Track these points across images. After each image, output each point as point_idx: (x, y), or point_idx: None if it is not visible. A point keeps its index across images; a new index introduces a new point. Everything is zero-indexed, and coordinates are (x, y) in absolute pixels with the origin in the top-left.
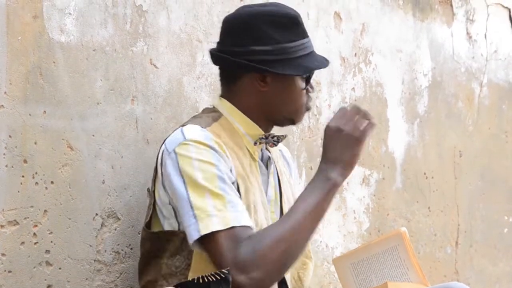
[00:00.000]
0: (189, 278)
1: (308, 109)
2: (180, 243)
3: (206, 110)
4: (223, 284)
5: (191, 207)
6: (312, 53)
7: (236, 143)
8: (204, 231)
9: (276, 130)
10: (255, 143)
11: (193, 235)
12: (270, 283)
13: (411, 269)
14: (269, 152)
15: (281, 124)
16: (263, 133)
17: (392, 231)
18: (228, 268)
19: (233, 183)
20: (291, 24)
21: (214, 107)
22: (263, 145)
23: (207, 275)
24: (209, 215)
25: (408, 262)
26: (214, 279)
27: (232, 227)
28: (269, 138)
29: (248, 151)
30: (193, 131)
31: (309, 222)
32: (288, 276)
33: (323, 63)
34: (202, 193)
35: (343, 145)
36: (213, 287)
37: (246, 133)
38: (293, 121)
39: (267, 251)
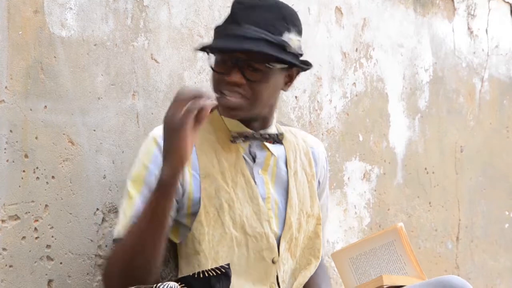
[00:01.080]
0: None
1: (226, 94)
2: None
3: None
4: (223, 279)
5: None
6: (229, 36)
7: (221, 138)
8: (115, 236)
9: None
10: (232, 140)
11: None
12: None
13: (408, 264)
14: (268, 148)
15: (246, 124)
16: (244, 129)
17: (389, 226)
18: (229, 263)
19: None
20: (231, 9)
21: None
22: (256, 141)
23: (207, 270)
24: (119, 220)
25: (405, 257)
26: (214, 274)
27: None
28: (254, 134)
29: (237, 146)
30: (160, 127)
31: (144, 225)
32: (281, 274)
33: (219, 45)
34: (125, 193)
35: (167, 138)
36: (213, 281)
37: (231, 128)
38: (220, 113)
39: (110, 269)
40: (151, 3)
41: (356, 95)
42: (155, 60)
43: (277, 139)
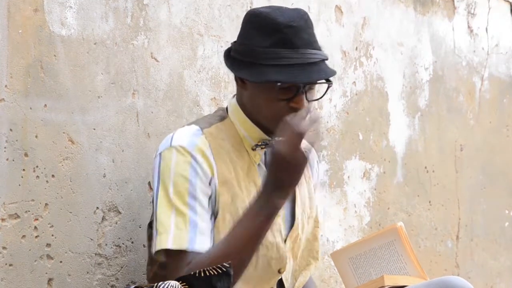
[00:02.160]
0: None
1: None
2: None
3: (219, 108)
4: (224, 278)
5: (156, 219)
6: (293, 66)
7: (234, 146)
8: (158, 247)
9: None
10: (253, 148)
11: (152, 248)
12: None
13: (409, 263)
14: None
15: (266, 131)
16: (263, 137)
17: (389, 225)
18: (230, 262)
19: (210, 196)
20: (272, 31)
21: (227, 106)
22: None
23: (208, 269)
24: (167, 232)
25: (405, 256)
26: (215, 273)
27: (184, 250)
28: (273, 141)
29: (248, 154)
30: (182, 135)
31: (247, 246)
32: (285, 274)
33: (297, 78)
34: (169, 208)
35: (286, 170)
36: (214, 281)
37: (248, 135)
38: (268, 129)
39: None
40: (151, 1)
41: (356, 94)
42: (155, 59)
43: None
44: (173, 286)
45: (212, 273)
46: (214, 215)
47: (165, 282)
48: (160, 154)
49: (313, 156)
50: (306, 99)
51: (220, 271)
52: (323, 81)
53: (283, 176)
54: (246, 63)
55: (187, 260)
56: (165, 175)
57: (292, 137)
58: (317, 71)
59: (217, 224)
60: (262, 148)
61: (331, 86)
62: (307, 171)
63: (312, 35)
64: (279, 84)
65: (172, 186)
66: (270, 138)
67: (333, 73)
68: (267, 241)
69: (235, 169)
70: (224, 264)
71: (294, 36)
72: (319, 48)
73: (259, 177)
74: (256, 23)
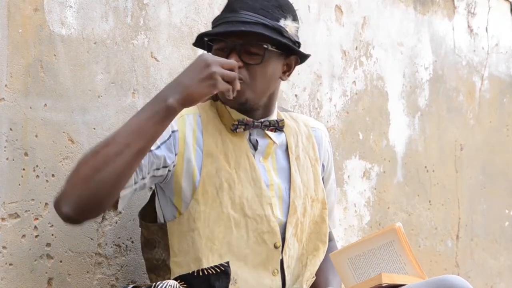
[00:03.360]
0: (171, 267)
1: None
2: (158, 233)
3: None
4: (222, 277)
5: None
6: (226, 23)
7: (225, 124)
8: None
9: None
10: (232, 129)
11: None
12: (80, 203)
13: (408, 264)
14: (269, 137)
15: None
16: (240, 116)
17: (387, 226)
18: (228, 261)
19: (175, 146)
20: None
21: None
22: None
23: (206, 268)
24: None
25: (404, 257)
26: (214, 272)
27: None
28: (254, 122)
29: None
30: None
31: (126, 136)
32: (287, 259)
33: (214, 31)
34: None
35: (193, 70)
36: (213, 280)
37: (231, 116)
38: (221, 99)
39: (72, 174)
40: (151, 1)
41: (356, 94)
42: (155, 59)
43: (277, 126)
44: (171, 286)
45: (211, 272)
46: (194, 186)
47: (164, 282)
48: None
49: (322, 136)
50: (242, 60)
51: (219, 270)
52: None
53: (180, 77)
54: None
55: None
56: None
57: (219, 58)
58: (242, 25)
59: (196, 196)
60: (244, 130)
61: (267, 48)
62: (313, 154)
63: (263, 4)
64: (206, 39)
65: None
66: (249, 119)
67: (253, 29)
68: (255, 214)
69: (224, 142)
70: (223, 263)
71: (237, 0)
72: (268, 17)
73: (251, 152)
74: None
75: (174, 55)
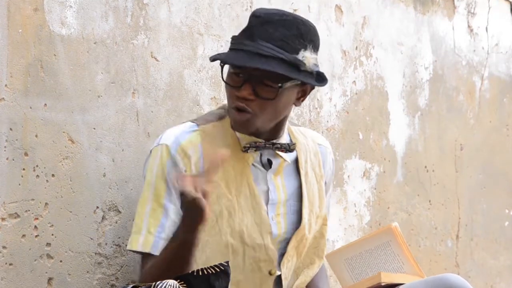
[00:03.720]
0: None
1: (235, 108)
2: None
3: (220, 106)
4: (222, 276)
5: (136, 215)
6: (243, 51)
7: (228, 146)
8: (129, 247)
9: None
10: (243, 150)
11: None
12: None
13: (406, 263)
14: (280, 156)
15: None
16: (253, 139)
17: (384, 226)
18: (228, 261)
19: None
20: (248, 22)
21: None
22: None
23: (206, 267)
24: (139, 232)
25: (402, 256)
26: (214, 272)
27: (149, 253)
28: (265, 144)
29: (243, 154)
30: (171, 134)
31: (166, 265)
32: (285, 271)
33: (230, 59)
34: (145, 207)
35: (188, 210)
36: (213, 279)
37: (240, 137)
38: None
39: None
40: (151, 1)
41: (356, 93)
42: (155, 58)
43: (289, 149)
44: (171, 286)
45: (211, 272)
46: None
47: (163, 282)
48: (150, 151)
49: (326, 153)
50: (254, 93)
51: (219, 270)
52: (274, 82)
53: (185, 216)
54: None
55: (148, 261)
56: (148, 174)
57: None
58: (256, 60)
59: None
60: (255, 151)
61: (281, 88)
62: (318, 170)
63: (284, 34)
64: (221, 64)
65: (153, 186)
66: (261, 141)
67: (269, 66)
68: (254, 242)
69: (225, 169)
70: (222, 263)
71: (257, 27)
72: (287, 49)
73: (252, 177)
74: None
75: (174, 55)
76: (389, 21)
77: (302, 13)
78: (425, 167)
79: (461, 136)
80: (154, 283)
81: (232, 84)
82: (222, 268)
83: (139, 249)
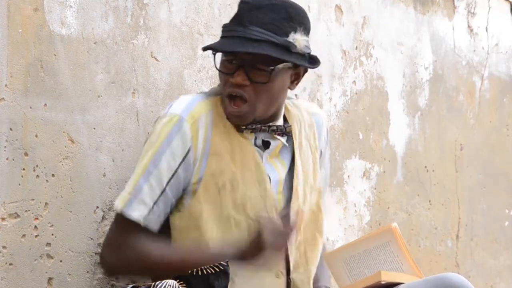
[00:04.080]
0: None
1: (229, 96)
2: None
3: (219, 84)
4: (221, 276)
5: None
6: (234, 37)
7: (231, 122)
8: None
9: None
10: (239, 130)
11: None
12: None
13: (405, 264)
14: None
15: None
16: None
17: (383, 227)
18: (228, 261)
19: (176, 171)
20: (237, 9)
21: None
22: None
23: (205, 267)
24: (124, 191)
25: (401, 257)
26: (213, 271)
27: (119, 213)
28: (261, 126)
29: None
30: (181, 102)
31: (181, 266)
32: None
33: (222, 46)
34: (136, 170)
35: (253, 253)
36: (212, 279)
37: None
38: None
39: (130, 264)
40: (151, 1)
41: (356, 93)
42: (155, 58)
43: (285, 132)
44: (171, 285)
45: (210, 272)
46: (197, 186)
47: (163, 282)
48: (157, 119)
49: (321, 121)
50: (249, 78)
51: (218, 270)
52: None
53: (247, 251)
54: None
55: (124, 227)
56: (150, 139)
57: (270, 240)
58: (248, 45)
59: (197, 195)
60: (250, 132)
61: (273, 71)
62: (313, 142)
63: (273, 18)
64: (213, 53)
65: (149, 151)
66: (257, 123)
67: (260, 50)
68: (258, 215)
69: (231, 142)
70: (222, 262)
71: (246, 12)
72: (277, 33)
73: (255, 154)
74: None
75: (174, 55)
76: (389, 21)
77: None
78: (425, 167)
79: (461, 136)
80: (154, 283)
81: (225, 71)
82: (222, 268)
83: (115, 206)
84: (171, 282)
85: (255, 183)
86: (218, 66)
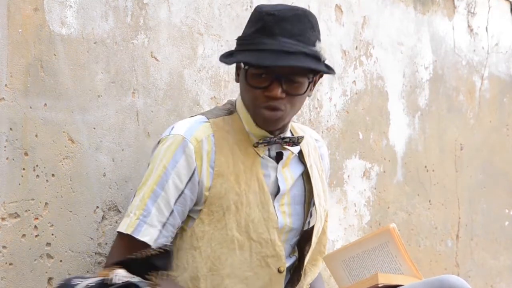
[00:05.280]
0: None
1: (267, 108)
2: None
3: (227, 102)
4: (164, 256)
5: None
6: (266, 51)
7: (239, 140)
8: (117, 229)
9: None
10: (255, 145)
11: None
12: None
13: (404, 264)
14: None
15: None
16: (265, 135)
17: (381, 227)
18: (172, 244)
19: (183, 192)
20: (256, 20)
21: (235, 100)
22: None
23: (147, 250)
24: (128, 216)
25: (400, 258)
26: (156, 253)
27: (128, 235)
28: (275, 139)
29: (253, 148)
30: (183, 125)
31: None
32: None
33: (259, 61)
34: (139, 192)
35: None
36: (154, 259)
37: (251, 132)
38: (256, 122)
39: None
40: (151, 1)
41: (356, 93)
42: (155, 58)
43: (297, 142)
44: (123, 276)
45: (152, 254)
46: (191, 208)
47: (116, 274)
48: (159, 141)
49: (324, 150)
50: (284, 91)
51: (160, 252)
52: (305, 76)
53: None
54: (232, 52)
55: (128, 244)
56: (154, 161)
57: None
58: (286, 58)
59: (202, 216)
60: (264, 146)
61: (311, 80)
62: (319, 164)
63: (301, 29)
64: (246, 67)
65: (154, 173)
66: (272, 136)
67: (302, 63)
68: (260, 237)
69: (235, 163)
70: (166, 244)
71: (274, 24)
72: (307, 43)
73: (262, 170)
74: (251, 16)
75: (174, 55)
76: (389, 21)
77: None
78: (425, 167)
79: (461, 136)
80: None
81: (257, 85)
82: (164, 250)
83: (121, 230)
84: (119, 271)
85: (258, 205)
86: (247, 81)
